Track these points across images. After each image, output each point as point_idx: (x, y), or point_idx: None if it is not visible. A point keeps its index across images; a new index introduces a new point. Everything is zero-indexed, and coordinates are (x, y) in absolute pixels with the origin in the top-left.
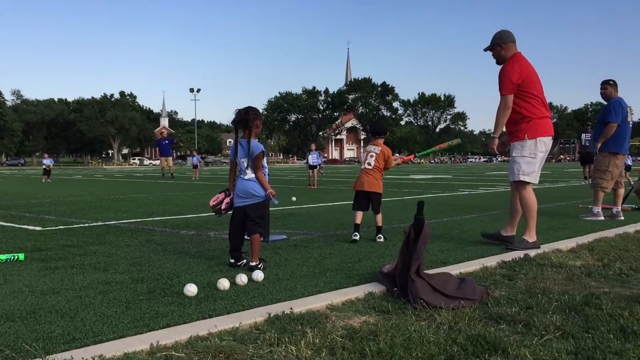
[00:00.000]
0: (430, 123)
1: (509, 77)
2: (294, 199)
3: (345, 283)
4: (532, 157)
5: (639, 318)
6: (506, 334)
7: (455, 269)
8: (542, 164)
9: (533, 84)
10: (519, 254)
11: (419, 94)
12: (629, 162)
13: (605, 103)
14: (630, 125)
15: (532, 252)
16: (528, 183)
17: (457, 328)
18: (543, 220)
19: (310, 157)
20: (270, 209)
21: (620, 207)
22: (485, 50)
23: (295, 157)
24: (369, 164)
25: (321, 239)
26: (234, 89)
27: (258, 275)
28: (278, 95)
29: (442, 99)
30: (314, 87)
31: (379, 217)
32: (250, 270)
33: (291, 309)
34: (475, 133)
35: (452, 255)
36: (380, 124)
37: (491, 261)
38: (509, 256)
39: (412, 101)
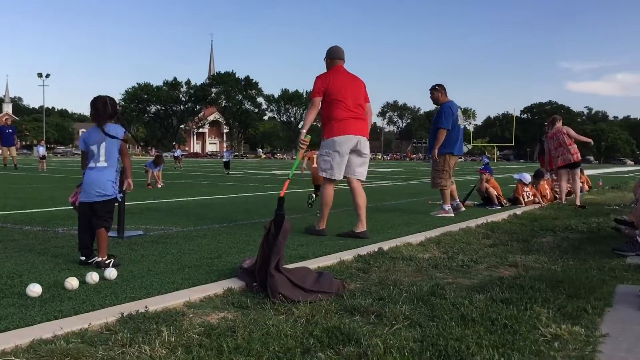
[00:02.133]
0: (293, 119)
1: (314, 85)
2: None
3: (204, 279)
4: (327, 155)
5: (477, 306)
6: (359, 325)
7: (313, 264)
8: (342, 161)
9: (339, 91)
10: (373, 247)
11: (282, 90)
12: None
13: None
14: (462, 128)
15: (386, 246)
16: (329, 179)
17: (314, 321)
18: (396, 215)
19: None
20: (126, 203)
21: (459, 200)
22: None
23: (154, 150)
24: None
25: (180, 234)
26: (89, 76)
27: (111, 273)
28: (136, 85)
29: (305, 95)
30: (175, 79)
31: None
32: (98, 267)
33: (146, 307)
34: None
35: (311, 249)
36: None
37: (348, 255)
38: (364, 250)
39: (275, 97)
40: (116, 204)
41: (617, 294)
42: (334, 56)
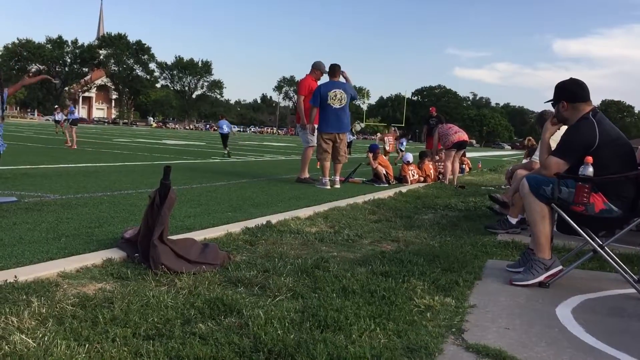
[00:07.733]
0: (186, 88)
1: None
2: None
3: (82, 249)
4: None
5: (358, 278)
6: (242, 296)
7: (200, 235)
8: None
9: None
10: (262, 220)
11: (176, 57)
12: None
13: None
14: (335, 107)
15: (274, 219)
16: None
17: (197, 292)
18: (286, 189)
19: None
20: (1, 167)
21: (338, 177)
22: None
23: (37, 113)
24: None
25: (58, 202)
26: None
27: None
28: (17, 41)
29: (200, 64)
30: (60, 37)
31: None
32: None
33: (15, 277)
34: (231, 102)
35: (198, 221)
36: None
37: (236, 227)
38: (252, 223)
39: (169, 64)
40: None
41: (486, 268)
42: (315, 66)
